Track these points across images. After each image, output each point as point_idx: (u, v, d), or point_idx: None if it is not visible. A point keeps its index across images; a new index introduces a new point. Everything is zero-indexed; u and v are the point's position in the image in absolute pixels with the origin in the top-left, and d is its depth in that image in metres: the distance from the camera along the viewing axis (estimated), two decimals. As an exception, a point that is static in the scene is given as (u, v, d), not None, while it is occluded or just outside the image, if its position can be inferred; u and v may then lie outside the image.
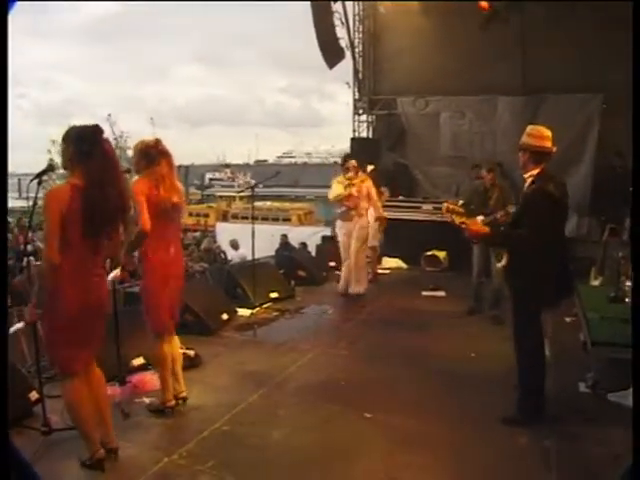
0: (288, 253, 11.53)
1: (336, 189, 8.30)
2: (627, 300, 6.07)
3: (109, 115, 28.39)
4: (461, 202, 5.30)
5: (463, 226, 4.39)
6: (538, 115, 11.26)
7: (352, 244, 8.27)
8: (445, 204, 4.50)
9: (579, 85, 10.95)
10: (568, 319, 7.04)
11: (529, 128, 4.48)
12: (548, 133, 4.39)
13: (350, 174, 8.30)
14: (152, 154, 4.27)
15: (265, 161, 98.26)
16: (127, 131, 28.16)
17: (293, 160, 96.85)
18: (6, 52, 2.66)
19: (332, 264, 10.68)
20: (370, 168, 10.14)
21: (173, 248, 4.46)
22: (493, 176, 7.17)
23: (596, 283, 7.98)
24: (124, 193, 3.62)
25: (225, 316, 7.16)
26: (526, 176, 4.43)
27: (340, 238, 8.47)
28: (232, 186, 52.66)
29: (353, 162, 8.45)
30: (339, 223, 8.50)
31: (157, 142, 4.33)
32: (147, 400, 4.66)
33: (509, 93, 11.81)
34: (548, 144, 4.37)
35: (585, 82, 10.86)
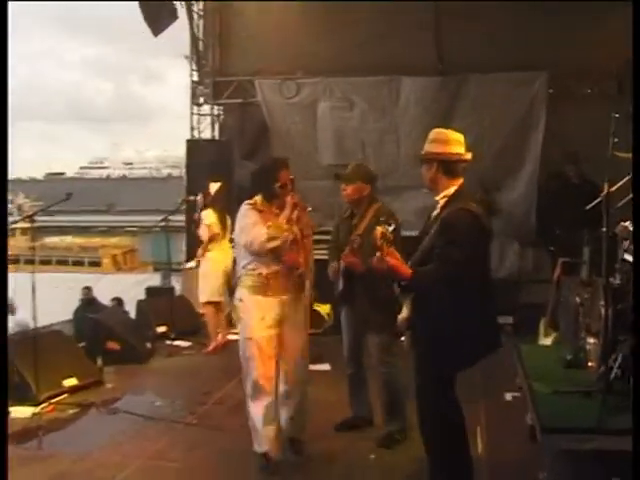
0: (93, 315, 11.12)
1: (260, 230, 5.75)
2: (590, 364, 6.25)
3: None
4: (392, 227, 5.07)
5: (385, 260, 4.40)
6: (458, 102, 11.74)
7: (290, 350, 6.09)
8: (379, 228, 4.49)
9: (515, 63, 11.48)
10: (509, 395, 7.20)
11: (432, 133, 4.81)
12: (458, 136, 4.75)
13: (290, 199, 6.00)
14: None
15: (62, 174, 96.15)
16: None
17: (105, 172, 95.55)
18: (6, 52, 3.37)
19: (162, 329, 10.47)
20: (215, 187, 10.14)
21: None
22: (355, 189, 6.36)
23: (547, 341, 8.26)
24: None
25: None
26: (438, 198, 4.70)
27: (253, 334, 5.90)
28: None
29: (287, 174, 6.12)
30: (250, 299, 5.93)
31: None
32: None
33: (417, 72, 12.18)
34: (460, 149, 4.69)
35: (523, 59, 11.41)
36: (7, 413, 2.88)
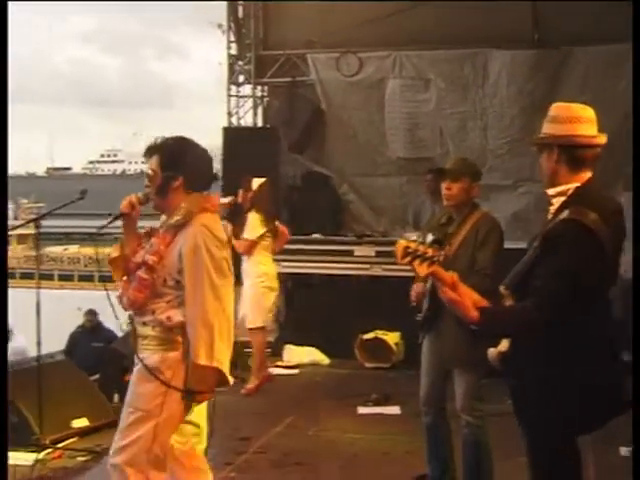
0: (104, 344, 11.25)
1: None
2: None
3: None
4: (431, 238, 4.95)
5: (439, 285, 4.07)
6: (560, 82, 11.57)
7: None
8: (401, 242, 4.20)
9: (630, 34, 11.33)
10: (625, 450, 7.12)
11: (552, 108, 4.34)
12: (589, 113, 4.26)
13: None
14: None
15: (67, 169, 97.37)
16: None
17: (120, 167, 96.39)
18: (6, 52, 4.07)
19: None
20: (258, 183, 10.03)
21: None
22: (462, 189, 6.31)
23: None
24: None
25: (-15, 467, 6.89)
26: (551, 193, 4.31)
27: None
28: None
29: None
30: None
31: None
32: None
33: (508, 44, 12.13)
34: (590, 130, 4.23)
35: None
36: (6, 411, 3.22)
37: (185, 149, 5.06)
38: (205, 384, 4.73)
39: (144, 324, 4.91)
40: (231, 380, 4.86)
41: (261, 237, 9.83)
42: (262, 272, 9.92)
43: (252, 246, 9.82)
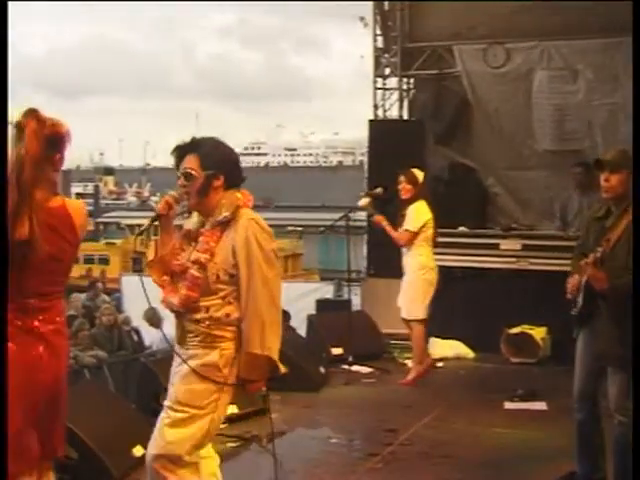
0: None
1: None
2: None
3: None
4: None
5: None
6: None
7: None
8: None
9: None
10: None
11: None
12: None
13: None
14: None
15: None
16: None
17: (263, 160, 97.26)
18: (6, 51, 4.13)
19: (337, 351, 10.57)
20: (422, 176, 9.89)
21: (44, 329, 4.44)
22: (622, 180, 6.11)
23: None
24: None
25: (139, 450, 7.04)
26: None
27: None
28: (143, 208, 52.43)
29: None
30: None
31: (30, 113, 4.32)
32: None
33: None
34: None
35: None
36: (6, 412, 3.86)
37: (220, 147, 5.14)
38: (258, 372, 4.84)
39: (196, 322, 4.91)
40: (282, 368, 4.92)
41: (422, 228, 9.81)
42: (422, 264, 9.92)
43: (414, 238, 9.82)
